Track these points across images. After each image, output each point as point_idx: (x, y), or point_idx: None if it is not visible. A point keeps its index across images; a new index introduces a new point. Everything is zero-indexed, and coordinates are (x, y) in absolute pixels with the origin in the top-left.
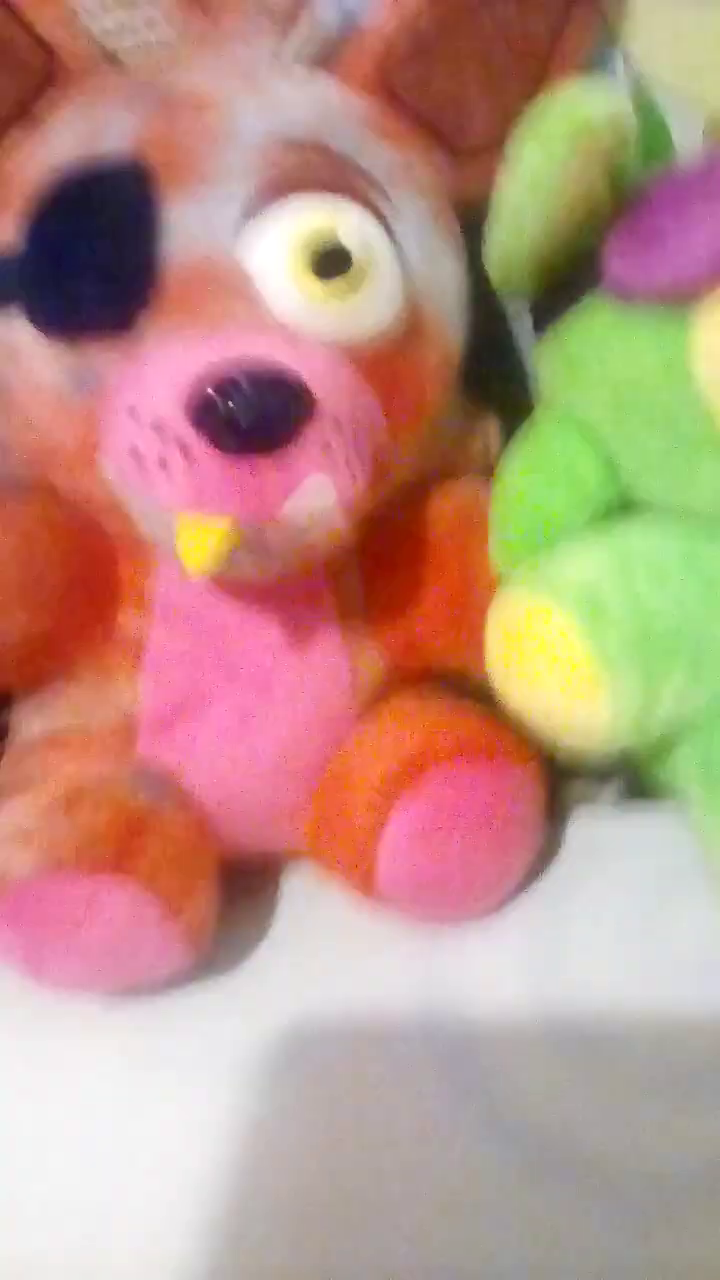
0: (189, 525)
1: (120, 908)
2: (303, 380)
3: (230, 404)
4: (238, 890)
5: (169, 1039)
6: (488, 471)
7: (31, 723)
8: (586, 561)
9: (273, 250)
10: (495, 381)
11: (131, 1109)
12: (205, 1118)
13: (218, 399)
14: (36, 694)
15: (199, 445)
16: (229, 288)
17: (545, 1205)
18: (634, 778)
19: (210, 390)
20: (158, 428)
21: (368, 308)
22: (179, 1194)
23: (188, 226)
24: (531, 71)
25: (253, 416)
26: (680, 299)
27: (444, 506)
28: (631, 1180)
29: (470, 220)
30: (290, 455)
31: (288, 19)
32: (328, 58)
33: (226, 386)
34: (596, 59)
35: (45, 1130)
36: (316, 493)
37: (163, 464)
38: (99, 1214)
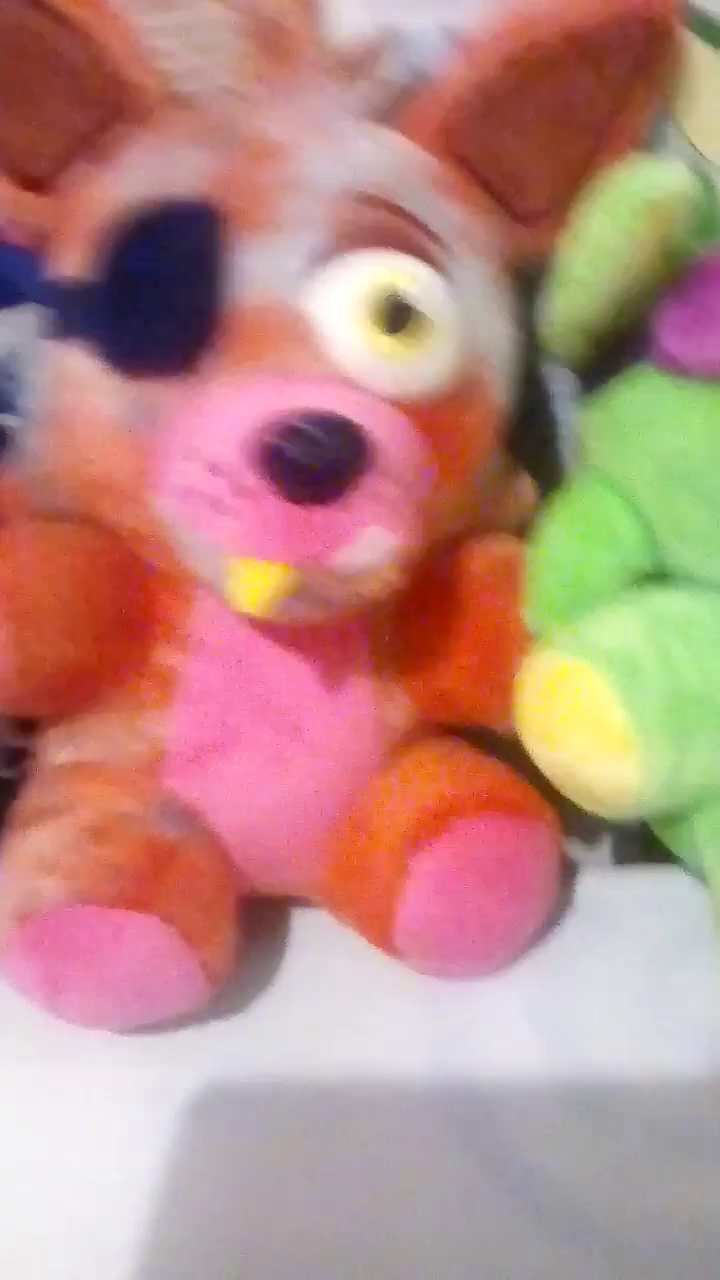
0: (244, 568)
1: (143, 942)
2: (363, 431)
3: (292, 451)
4: (250, 930)
5: (177, 1074)
6: (520, 530)
7: (60, 751)
8: (622, 625)
9: (339, 301)
10: (529, 443)
11: (138, 1143)
12: (210, 1154)
13: (280, 445)
14: (67, 723)
15: (258, 490)
16: (293, 335)
17: (549, 1259)
18: (621, 842)
19: (273, 437)
20: (217, 470)
21: (427, 364)
22: (182, 1227)
23: (256, 271)
24: (592, 142)
25: (313, 465)
26: None
27: (479, 562)
28: (635, 1237)
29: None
30: (347, 505)
31: (358, 71)
32: (395, 112)
33: (289, 434)
34: (653, 134)
35: (52, 1159)
36: (371, 544)
37: (220, 506)
38: (103, 1244)
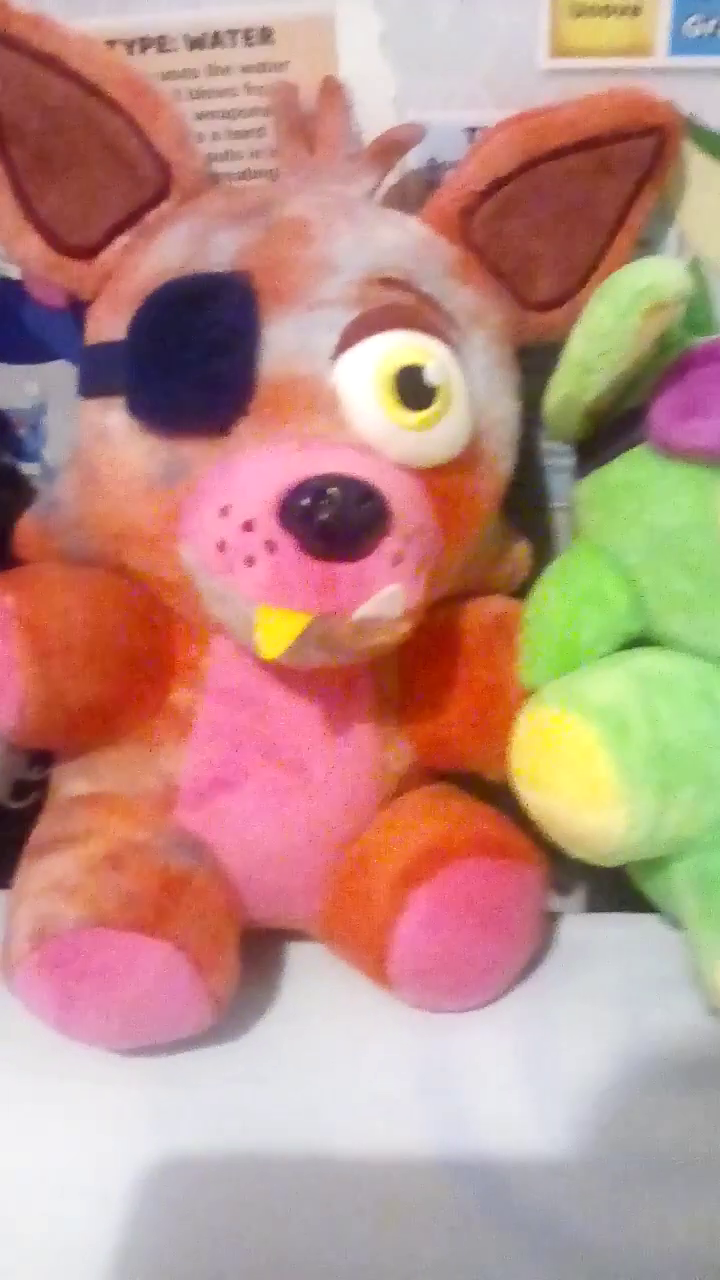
0: (269, 615)
1: (155, 967)
2: (383, 496)
3: (321, 512)
4: (248, 961)
5: (175, 1096)
6: (517, 591)
7: (73, 783)
8: (612, 683)
9: (362, 375)
10: (526, 511)
11: (139, 1159)
12: (203, 1173)
13: (308, 506)
14: (82, 757)
15: (286, 546)
16: (320, 405)
17: (533, 1275)
18: (594, 891)
19: (302, 498)
20: (249, 527)
21: (442, 437)
22: (173, 1245)
23: (285, 345)
24: (600, 239)
25: (339, 523)
26: (717, 460)
27: (479, 619)
28: (617, 1264)
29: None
30: (368, 564)
31: (383, 161)
32: (416, 201)
33: (316, 496)
34: (654, 232)
35: (52, 1173)
36: (388, 600)
37: (250, 561)
38: (95, 1258)
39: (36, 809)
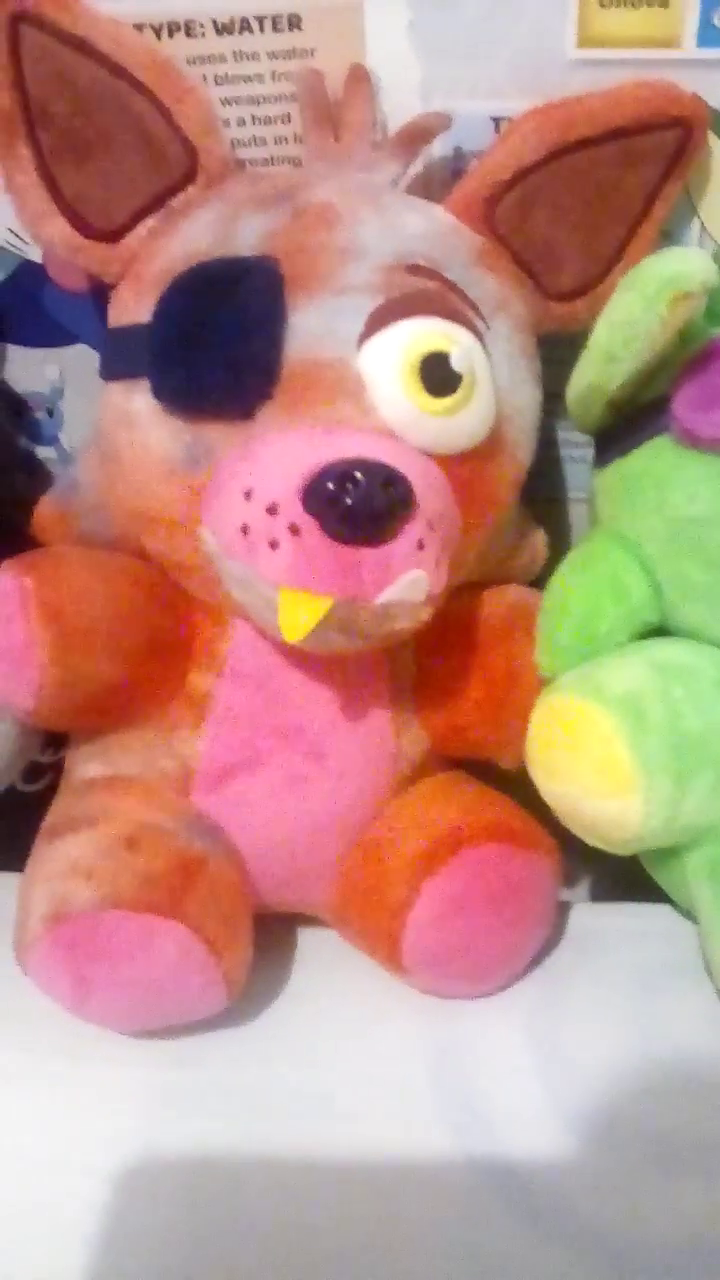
0: (292, 598)
1: (170, 948)
2: (408, 479)
3: (345, 496)
4: (260, 946)
5: (190, 1078)
6: (534, 580)
7: (89, 765)
8: (629, 672)
9: (388, 363)
10: (545, 500)
11: (151, 1141)
12: (215, 1155)
13: (333, 490)
14: (98, 739)
15: (310, 530)
16: (345, 390)
17: (544, 1264)
18: (599, 882)
19: (327, 482)
20: (272, 511)
21: (465, 424)
22: (183, 1225)
23: (311, 330)
24: (623, 230)
25: (363, 507)
26: None
27: (496, 608)
28: (628, 1243)
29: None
30: (391, 549)
31: (407, 150)
32: (441, 189)
33: (341, 480)
34: (677, 223)
35: (61, 1153)
36: (410, 585)
37: (273, 544)
38: (109, 1238)
39: (50, 792)
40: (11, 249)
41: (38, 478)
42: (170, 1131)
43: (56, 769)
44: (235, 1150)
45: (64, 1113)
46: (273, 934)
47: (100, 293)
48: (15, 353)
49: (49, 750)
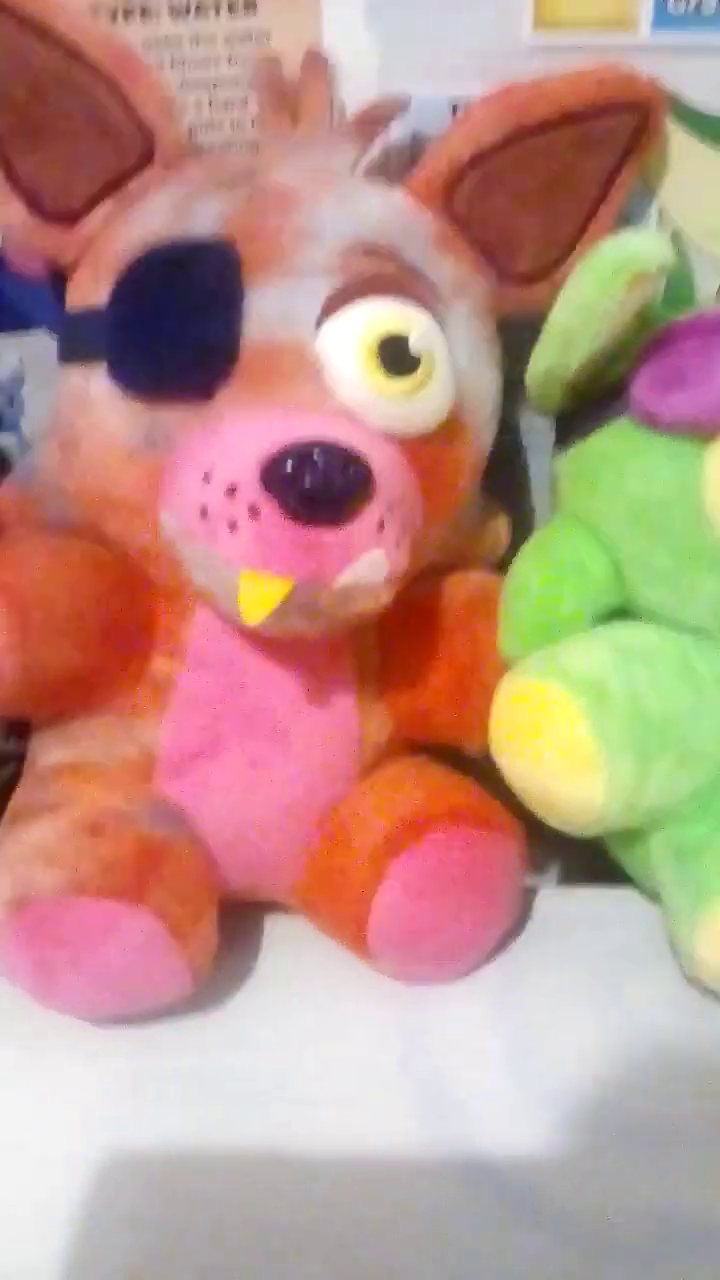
0: (251, 580)
1: (134, 934)
2: (368, 460)
3: (305, 476)
4: (226, 933)
5: (157, 1065)
6: (497, 564)
7: (52, 753)
8: (591, 654)
9: (346, 344)
10: (505, 484)
11: (118, 1128)
12: (183, 1143)
13: (292, 472)
14: (60, 726)
15: (269, 510)
16: (303, 372)
17: (512, 1245)
18: (568, 868)
19: (287, 463)
20: (231, 492)
21: (423, 405)
22: (160, 1209)
23: (268, 311)
24: (582, 211)
25: (323, 488)
26: (698, 431)
27: (459, 592)
28: (594, 1225)
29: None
30: (351, 529)
31: (365, 133)
32: (399, 172)
33: (300, 461)
34: (635, 207)
35: (29, 1142)
36: (370, 566)
37: (232, 525)
38: (80, 1227)
39: (12, 780)
40: None
41: (6, 464)
42: (137, 1118)
43: (20, 758)
44: (203, 1137)
45: (31, 1101)
46: (239, 920)
47: (59, 279)
48: None
49: (11, 739)
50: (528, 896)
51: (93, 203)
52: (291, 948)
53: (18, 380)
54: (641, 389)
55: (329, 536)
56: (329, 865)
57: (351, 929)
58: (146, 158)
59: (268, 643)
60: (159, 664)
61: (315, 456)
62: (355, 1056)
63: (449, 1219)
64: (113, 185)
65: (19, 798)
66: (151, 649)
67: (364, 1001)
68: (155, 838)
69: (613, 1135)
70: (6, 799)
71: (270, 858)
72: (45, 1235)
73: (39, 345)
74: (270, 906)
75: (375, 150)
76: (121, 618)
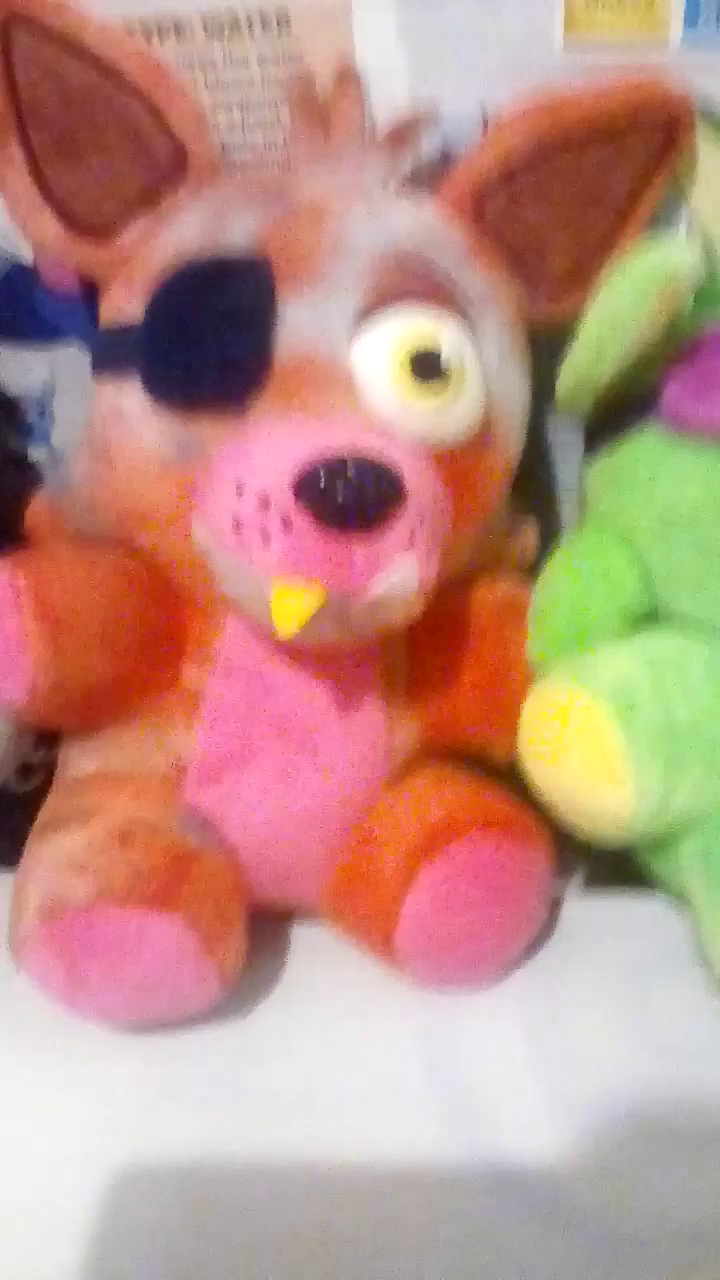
0: (284, 591)
1: (164, 942)
2: (399, 471)
3: (336, 485)
4: (253, 941)
5: (183, 1072)
6: (525, 571)
7: (82, 762)
8: (621, 661)
9: (379, 357)
10: (534, 491)
11: (145, 1135)
12: (209, 1150)
13: (326, 483)
14: (91, 735)
15: (302, 522)
16: (334, 382)
17: (538, 1253)
18: (592, 873)
19: (320, 475)
20: (264, 504)
21: (454, 413)
22: (185, 1217)
23: (301, 322)
24: (612, 220)
25: (355, 498)
26: None
27: (487, 599)
28: (620, 1232)
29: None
30: (382, 538)
31: (397, 144)
32: (429, 182)
33: (334, 469)
34: (665, 213)
35: (54, 1147)
36: (401, 574)
37: (265, 537)
38: (102, 1232)
39: (41, 792)
40: (3, 250)
41: (29, 477)
42: (164, 1125)
43: (49, 769)
44: (230, 1144)
45: (58, 1107)
46: (267, 929)
47: (91, 293)
48: (7, 353)
49: (41, 750)
50: (554, 902)
51: (126, 218)
52: (317, 957)
53: (48, 393)
54: (673, 394)
55: (361, 547)
56: (357, 871)
57: (379, 934)
58: (180, 173)
59: (297, 652)
60: (189, 674)
61: (348, 468)
62: (380, 1065)
63: (475, 1228)
64: (146, 201)
65: (49, 808)
66: (182, 659)
67: (389, 1010)
68: (185, 846)
69: (640, 1144)
70: (37, 809)
71: (299, 865)
72: (69, 1242)
73: (69, 358)
74: (297, 915)
75: (406, 164)
76: (153, 629)
